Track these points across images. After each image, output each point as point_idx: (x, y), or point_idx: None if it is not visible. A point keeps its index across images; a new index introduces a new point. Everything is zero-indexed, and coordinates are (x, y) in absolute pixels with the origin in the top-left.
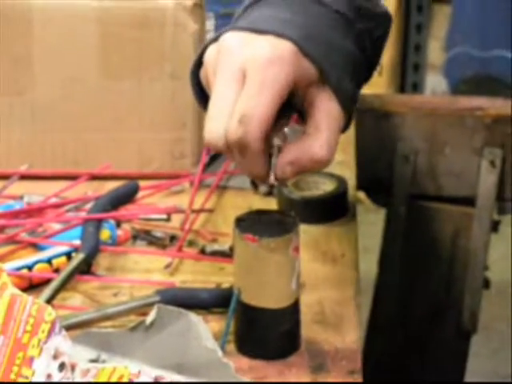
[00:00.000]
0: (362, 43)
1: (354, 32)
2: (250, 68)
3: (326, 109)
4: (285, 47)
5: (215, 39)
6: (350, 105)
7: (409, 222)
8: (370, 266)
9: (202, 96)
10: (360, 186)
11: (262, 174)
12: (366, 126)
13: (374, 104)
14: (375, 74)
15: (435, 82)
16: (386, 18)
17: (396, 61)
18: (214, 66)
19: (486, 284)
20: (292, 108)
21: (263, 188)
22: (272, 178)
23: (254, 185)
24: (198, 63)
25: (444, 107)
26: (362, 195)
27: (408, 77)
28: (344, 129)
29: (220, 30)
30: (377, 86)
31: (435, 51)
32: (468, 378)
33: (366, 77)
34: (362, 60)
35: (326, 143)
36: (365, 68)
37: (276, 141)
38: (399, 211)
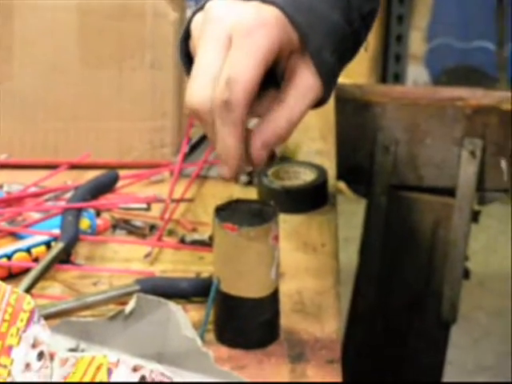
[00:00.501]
0: (350, 16)
1: (343, 4)
2: (235, 33)
3: (300, 78)
4: (270, 12)
5: (201, 7)
6: (330, 76)
7: (389, 212)
8: (350, 255)
9: (191, 67)
10: (340, 175)
11: (235, 149)
12: (347, 116)
13: (354, 94)
14: (362, 50)
15: (417, 73)
16: None
17: (377, 51)
18: (200, 34)
19: (466, 274)
20: (273, 82)
21: (243, 178)
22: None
23: None
24: (186, 34)
25: (425, 97)
26: (342, 185)
27: (389, 67)
28: (322, 102)
29: None
30: (358, 76)
31: (417, 42)
32: (448, 368)
33: (351, 51)
34: (348, 33)
35: (288, 120)
36: (351, 42)
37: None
38: (379, 201)
